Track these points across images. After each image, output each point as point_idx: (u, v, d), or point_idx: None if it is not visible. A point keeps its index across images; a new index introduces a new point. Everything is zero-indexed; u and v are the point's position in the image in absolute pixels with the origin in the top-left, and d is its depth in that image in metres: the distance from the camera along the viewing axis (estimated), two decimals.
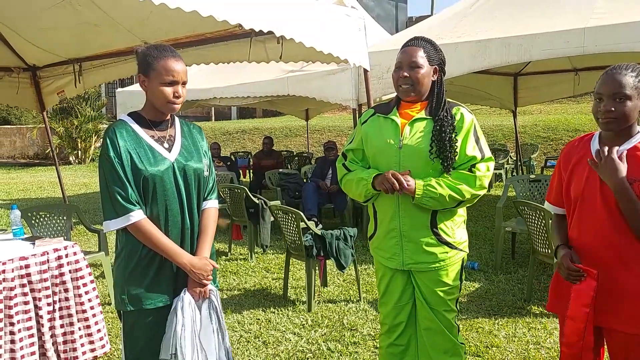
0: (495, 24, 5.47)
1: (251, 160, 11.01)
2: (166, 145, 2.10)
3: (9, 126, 21.37)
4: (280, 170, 8.07)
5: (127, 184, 1.98)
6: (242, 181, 10.00)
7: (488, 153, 2.26)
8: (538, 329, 3.69)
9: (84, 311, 3.09)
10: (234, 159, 10.91)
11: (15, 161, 19.58)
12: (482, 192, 2.24)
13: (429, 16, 9.15)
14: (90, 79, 6.32)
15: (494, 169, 10.04)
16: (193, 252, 2.12)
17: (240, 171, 10.46)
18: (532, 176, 5.96)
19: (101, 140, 2.04)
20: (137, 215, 1.99)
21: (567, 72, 8.23)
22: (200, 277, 2.07)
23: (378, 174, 2.25)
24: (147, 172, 2.01)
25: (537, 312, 3.99)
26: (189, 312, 2.05)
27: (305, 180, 7.92)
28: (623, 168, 1.80)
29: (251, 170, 10.41)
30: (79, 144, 18.19)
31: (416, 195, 2.17)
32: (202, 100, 9.07)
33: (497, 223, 5.30)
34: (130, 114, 2.14)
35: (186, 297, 2.06)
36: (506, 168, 10.59)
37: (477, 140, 2.24)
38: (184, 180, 2.09)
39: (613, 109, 1.82)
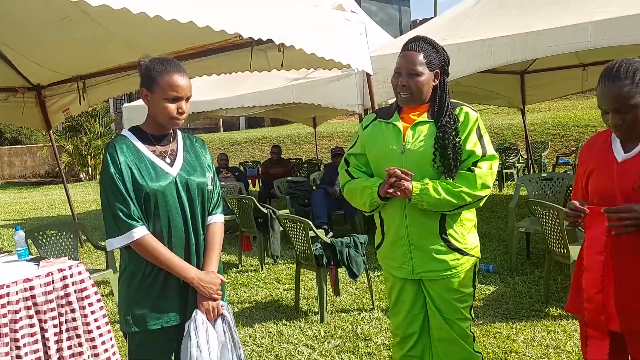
0: (498, 23, 5.39)
1: (259, 169, 10.99)
2: (168, 160, 2.05)
3: (19, 146, 21.61)
4: (289, 178, 8.01)
5: (129, 199, 1.94)
6: (252, 191, 9.98)
7: (491, 151, 2.15)
8: (557, 332, 3.58)
9: (90, 331, 3.04)
10: (242, 169, 10.90)
11: (26, 180, 19.78)
12: (486, 193, 2.12)
13: (432, 18, 9.11)
14: (95, 95, 6.35)
15: (506, 169, 10.01)
16: (200, 268, 2.07)
17: (250, 181, 10.43)
18: (544, 174, 5.85)
19: None
20: (140, 231, 1.95)
21: (575, 68, 8.11)
22: (210, 292, 2.01)
23: (382, 182, 2.16)
24: (149, 187, 1.96)
25: (556, 314, 3.88)
26: (203, 332, 1.97)
27: (314, 187, 7.86)
28: None
29: (260, 180, 10.39)
30: (89, 161, 18.35)
31: (412, 199, 2.10)
32: (209, 112, 9.07)
33: (510, 224, 5.19)
34: (131, 129, 2.10)
35: (199, 317, 1.99)
36: (517, 167, 10.48)
37: (480, 137, 2.14)
38: (187, 195, 2.05)
39: (621, 121, 1.76)
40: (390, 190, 2.08)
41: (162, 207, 1.99)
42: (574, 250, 3.81)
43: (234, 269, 5.78)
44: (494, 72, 8.00)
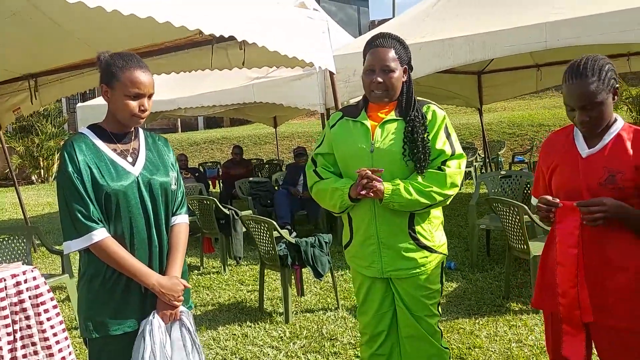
0: (458, 23, 5.48)
1: (220, 170, 10.84)
2: (130, 158, 1.97)
3: None
4: (251, 178, 7.93)
5: (88, 200, 1.85)
6: (212, 192, 9.83)
7: (459, 150, 2.18)
8: (519, 326, 3.66)
9: (46, 339, 2.91)
10: (202, 170, 10.72)
11: None
12: (454, 191, 2.16)
13: (390, 19, 9.20)
14: (47, 94, 6.11)
15: None
16: (163, 271, 2.00)
17: (210, 182, 10.27)
18: (503, 172, 5.99)
19: None
20: (100, 234, 1.86)
21: (530, 68, 8.34)
22: (170, 299, 1.94)
23: (353, 184, 2.14)
24: (110, 187, 1.88)
25: (517, 309, 3.96)
26: (158, 336, 1.90)
27: (276, 187, 7.80)
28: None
29: (221, 181, 10.24)
30: (41, 163, 17.69)
31: (384, 200, 2.10)
32: (167, 111, 8.88)
33: (471, 221, 5.28)
34: (90, 127, 2.01)
35: (155, 321, 1.92)
36: (475, 166, 10.70)
37: (448, 136, 2.16)
38: (149, 195, 1.97)
39: (588, 118, 1.79)
40: (363, 192, 2.07)
41: (123, 208, 1.91)
42: (534, 246, 3.91)
43: (196, 271, 5.66)
44: (452, 72, 8.14)
